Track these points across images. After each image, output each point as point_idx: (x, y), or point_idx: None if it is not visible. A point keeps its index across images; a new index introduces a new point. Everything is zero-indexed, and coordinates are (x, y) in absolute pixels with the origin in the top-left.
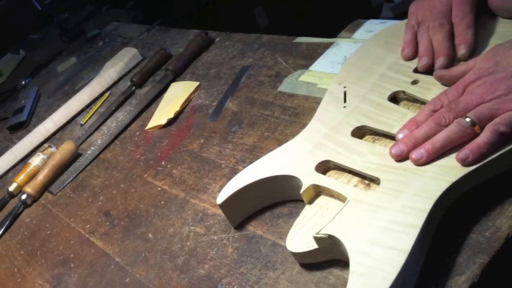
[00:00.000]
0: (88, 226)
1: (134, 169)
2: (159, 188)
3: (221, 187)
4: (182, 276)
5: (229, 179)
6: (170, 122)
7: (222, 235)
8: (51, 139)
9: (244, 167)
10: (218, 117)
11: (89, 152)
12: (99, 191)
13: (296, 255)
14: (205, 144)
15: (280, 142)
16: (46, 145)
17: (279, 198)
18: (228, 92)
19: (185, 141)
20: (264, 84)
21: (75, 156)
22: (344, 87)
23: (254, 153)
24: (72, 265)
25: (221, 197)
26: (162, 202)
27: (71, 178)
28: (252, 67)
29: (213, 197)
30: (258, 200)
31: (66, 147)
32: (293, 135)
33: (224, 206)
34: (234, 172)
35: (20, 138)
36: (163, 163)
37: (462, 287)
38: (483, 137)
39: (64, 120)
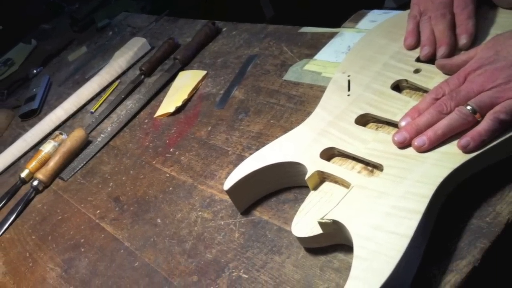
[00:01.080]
0: (98, 211)
1: (143, 156)
2: (168, 175)
3: (228, 173)
4: (190, 260)
5: (235, 165)
6: (178, 110)
7: (229, 221)
8: (62, 126)
9: (251, 154)
10: (225, 105)
11: (99, 139)
12: (108, 177)
13: (301, 240)
14: (212, 132)
15: (285, 130)
16: (57, 132)
17: (285, 184)
18: (235, 80)
19: (193, 128)
20: (270, 73)
21: (85, 143)
22: (348, 75)
23: (260, 140)
24: (82, 250)
25: (228, 183)
26: (171, 188)
27: (82, 164)
28: (258, 56)
29: (220, 183)
30: (264, 186)
31: (77, 135)
32: (298, 122)
33: (231, 192)
34: (240, 159)
35: (31, 125)
36: (171, 150)
37: (463, 271)
38: (484, 125)
39: (74, 108)
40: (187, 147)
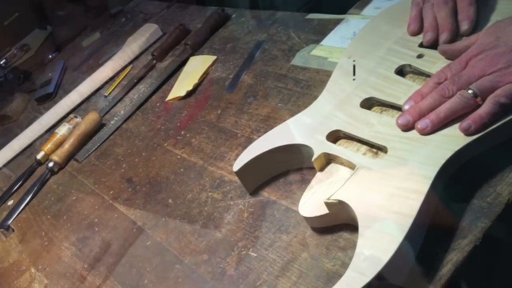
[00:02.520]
0: (111, 192)
1: (155, 138)
2: (179, 156)
3: (237, 155)
4: (200, 239)
5: (244, 147)
6: (189, 94)
7: (238, 201)
8: (77, 110)
9: (259, 136)
10: (234, 89)
11: (112, 122)
12: (122, 159)
13: (308, 220)
14: (222, 115)
15: (292, 113)
16: (72, 115)
17: (292, 165)
18: (244, 65)
19: (203, 112)
20: (277, 58)
21: (99, 126)
22: (354, 60)
23: (268, 123)
24: (96, 229)
25: (237, 165)
26: (182, 170)
27: (96, 146)
28: (266, 42)
29: (229, 165)
30: (272, 167)
31: (91, 118)
32: (305, 106)
33: (240, 173)
34: (249, 141)
35: (47, 109)
36: (182, 132)
37: (465, 249)
38: (485, 108)
39: (88, 92)
40: (198, 129)
